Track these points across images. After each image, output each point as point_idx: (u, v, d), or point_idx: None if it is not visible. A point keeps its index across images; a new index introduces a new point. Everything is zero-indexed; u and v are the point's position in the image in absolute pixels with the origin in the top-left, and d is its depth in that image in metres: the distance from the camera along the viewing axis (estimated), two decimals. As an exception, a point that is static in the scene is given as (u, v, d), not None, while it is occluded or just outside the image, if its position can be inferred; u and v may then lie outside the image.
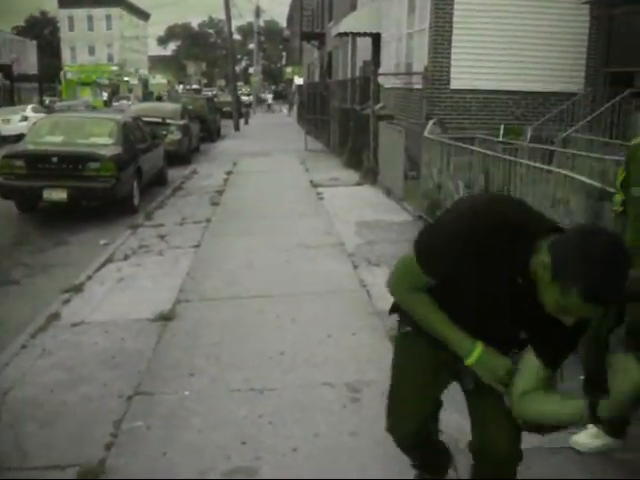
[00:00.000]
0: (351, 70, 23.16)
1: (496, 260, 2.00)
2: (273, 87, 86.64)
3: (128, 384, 4.24)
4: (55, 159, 9.46)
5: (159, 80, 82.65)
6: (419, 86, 12.60)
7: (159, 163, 12.95)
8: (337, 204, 10.45)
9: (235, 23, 58.11)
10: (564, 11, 11.76)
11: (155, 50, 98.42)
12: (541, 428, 2.34)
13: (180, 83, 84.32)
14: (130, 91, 65.01)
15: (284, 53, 79.29)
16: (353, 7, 21.54)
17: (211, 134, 23.60)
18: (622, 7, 10.71)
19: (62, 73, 64.34)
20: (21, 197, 10.01)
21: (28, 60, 52.03)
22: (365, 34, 18.39)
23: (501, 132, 10.94)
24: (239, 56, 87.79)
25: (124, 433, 3.66)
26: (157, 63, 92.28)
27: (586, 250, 1.80)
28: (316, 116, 22.14)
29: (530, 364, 2.20)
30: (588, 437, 3.46)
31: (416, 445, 2.64)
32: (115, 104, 43.44)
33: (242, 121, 31.75)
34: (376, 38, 17.68)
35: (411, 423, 2.52)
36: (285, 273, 6.78)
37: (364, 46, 20.27)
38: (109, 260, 7.37)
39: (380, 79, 15.06)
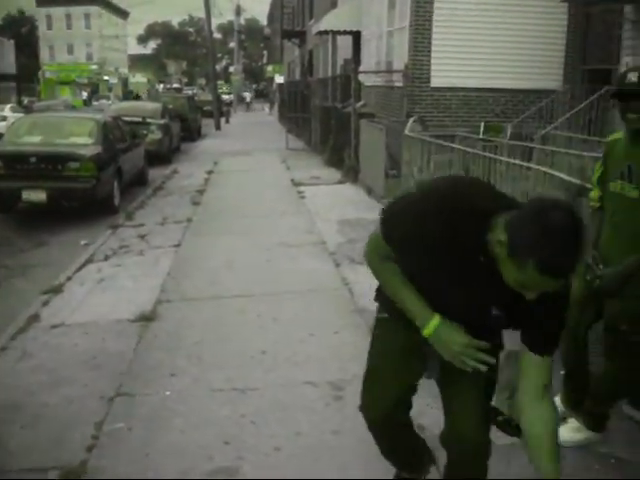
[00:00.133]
0: (332, 68, 23.15)
1: (453, 237, 2.01)
2: (254, 86, 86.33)
3: (109, 385, 4.22)
4: (34, 159, 9.38)
5: (139, 79, 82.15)
6: (400, 84, 12.63)
7: (140, 163, 12.88)
8: (318, 203, 10.45)
9: (215, 21, 58.11)
10: (543, 9, 11.82)
11: (135, 49, 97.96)
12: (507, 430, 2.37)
13: (161, 82, 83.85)
14: (110, 90, 64.51)
15: (265, 51, 79.11)
16: (334, 5, 21.52)
17: (192, 133, 23.50)
18: (599, 5, 10.81)
19: (40, 72, 63.75)
20: (-1, 198, 9.91)
21: (6, 59, 51.43)
22: (345, 32, 18.39)
23: (481, 129, 10.98)
24: (220, 55, 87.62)
25: (105, 435, 3.64)
26: (137, 62, 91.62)
27: (540, 223, 1.79)
28: (297, 114, 22.12)
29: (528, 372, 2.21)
30: (569, 431, 3.48)
31: (386, 428, 2.65)
32: (95, 103, 43.11)
33: (223, 120, 31.65)
34: (357, 36, 17.68)
35: (382, 405, 2.55)
36: (266, 272, 6.77)
37: (345, 44, 20.27)
38: (89, 260, 7.33)
39: (361, 77, 15.06)
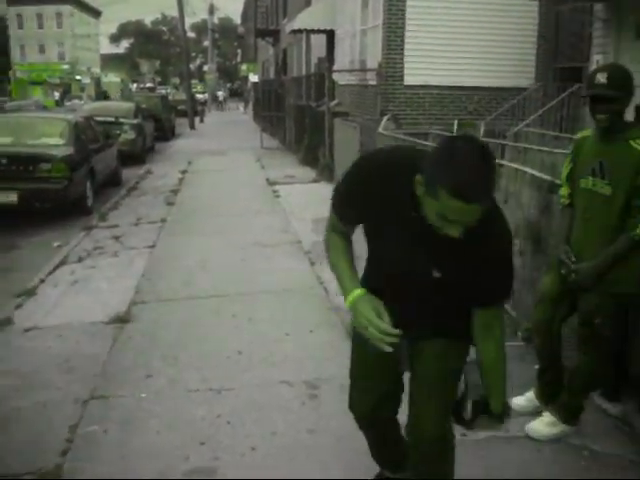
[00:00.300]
0: (306, 67, 23.11)
1: (387, 198, 2.13)
2: (229, 85, 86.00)
3: (83, 388, 4.18)
4: (4, 160, 9.23)
5: (112, 78, 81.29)
6: (373, 82, 12.65)
7: (113, 163, 12.77)
8: (293, 202, 10.45)
9: (189, 20, 57.80)
10: (514, 7, 11.92)
11: (107, 48, 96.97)
12: (469, 423, 2.39)
13: (134, 81, 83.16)
14: (82, 90, 63.87)
15: (239, 50, 78.84)
16: (307, 3, 21.49)
17: (166, 133, 23.38)
18: (569, 4, 10.91)
19: (11, 72, 62.90)
20: (-31, 200, 9.74)
21: (-24, 59, 50.75)
22: (319, 31, 18.38)
23: (455, 127, 11.05)
24: (193, 54, 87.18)
25: (80, 438, 3.61)
26: (110, 61, 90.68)
27: (451, 153, 1.89)
28: (272, 113, 22.08)
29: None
30: (544, 425, 3.52)
31: (372, 425, 2.71)
32: (67, 103, 42.54)
33: (197, 119, 31.53)
34: (330, 35, 17.69)
35: (366, 401, 2.61)
36: (241, 272, 6.75)
37: (319, 43, 20.25)
38: (63, 262, 7.25)
39: (335, 76, 15.08)
